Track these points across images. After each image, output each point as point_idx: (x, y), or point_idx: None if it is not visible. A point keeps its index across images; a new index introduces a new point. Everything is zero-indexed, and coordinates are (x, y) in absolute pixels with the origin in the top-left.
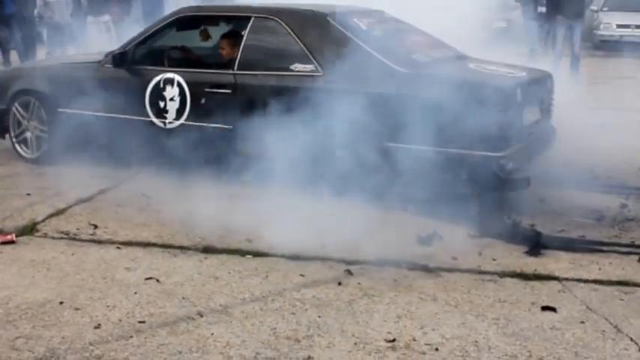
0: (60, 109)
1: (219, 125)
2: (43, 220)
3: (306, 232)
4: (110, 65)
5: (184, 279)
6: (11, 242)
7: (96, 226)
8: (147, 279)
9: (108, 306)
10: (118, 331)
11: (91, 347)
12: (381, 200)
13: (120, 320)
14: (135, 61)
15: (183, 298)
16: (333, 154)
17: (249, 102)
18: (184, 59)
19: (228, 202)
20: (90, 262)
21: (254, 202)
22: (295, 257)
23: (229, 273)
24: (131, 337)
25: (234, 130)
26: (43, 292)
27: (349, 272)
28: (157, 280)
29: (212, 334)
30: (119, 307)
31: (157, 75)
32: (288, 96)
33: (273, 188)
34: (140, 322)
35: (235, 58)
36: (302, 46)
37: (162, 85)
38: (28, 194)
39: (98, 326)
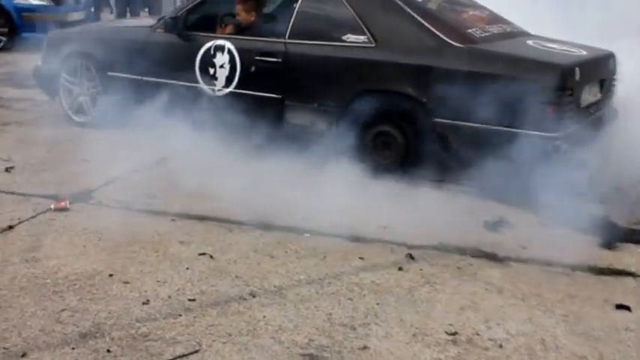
0: (110, 73)
1: (268, 94)
2: (98, 188)
3: (368, 212)
4: (162, 30)
5: (239, 256)
6: (64, 209)
7: (151, 196)
8: (200, 254)
9: (158, 281)
10: (166, 308)
11: (138, 324)
12: (441, 181)
13: (169, 297)
14: (186, 26)
15: (237, 276)
16: (384, 129)
17: (298, 72)
18: (236, 26)
19: (287, 177)
20: (143, 233)
21: (313, 178)
22: (355, 239)
23: (286, 252)
24: (180, 315)
25: (283, 100)
26: (92, 263)
27: (411, 257)
28: (211, 256)
29: (264, 316)
30: (169, 283)
31: (207, 41)
32: (338, 67)
33: (330, 164)
34: (190, 300)
35: (287, 27)
36: (355, 16)
37: (212, 51)
38: (85, 160)
39: (147, 302)
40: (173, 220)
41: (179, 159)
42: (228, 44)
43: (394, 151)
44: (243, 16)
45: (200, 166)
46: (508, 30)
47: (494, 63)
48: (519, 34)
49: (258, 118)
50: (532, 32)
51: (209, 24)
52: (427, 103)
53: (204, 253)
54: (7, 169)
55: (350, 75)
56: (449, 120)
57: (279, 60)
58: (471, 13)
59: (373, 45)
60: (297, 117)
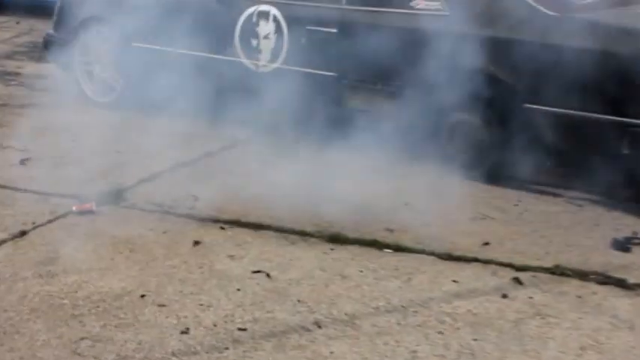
0: (135, 44)
1: (321, 71)
2: (131, 187)
3: (463, 223)
4: None
5: (302, 275)
6: (89, 212)
7: (197, 198)
8: (254, 272)
9: (201, 305)
10: (210, 339)
11: (174, 358)
12: (554, 186)
13: (214, 325)
14: None
15: (299, 301)
16: (463, 117)
17: (358, 45)
18: None
19: (357, 176)
20: (185, 244)
21: (389, 179)
22: (448, 256)
23: (361, 271)
24: (226, 348)
25: (338, 79)
26: (121, 280)
27: (518, 281)
28: (268, 275)
29: (331, 352)
30: (215, 308)
31: (249, 6)
32: (406, 40)
33: (404, 159)
34: (240, 329)
35: None
36: None
37: (255, 19)
38: (117, 152)
39: (186, 331)
40: (222, 228)
41: (227, 152)
42: (273, 10)
43: (476, 144)
44: None
45: (253, 161)
46: None
47: (597, 36)
48: (631, 0)
49: (310, 99)
50: None
51: None
52: (515, 86)
53: (259, 271)
54: (23, 162)
55: (419, 49)
56: (542, 106)
57: (335, 30)
58: None
59: (448, 13)
60: (357, 99)
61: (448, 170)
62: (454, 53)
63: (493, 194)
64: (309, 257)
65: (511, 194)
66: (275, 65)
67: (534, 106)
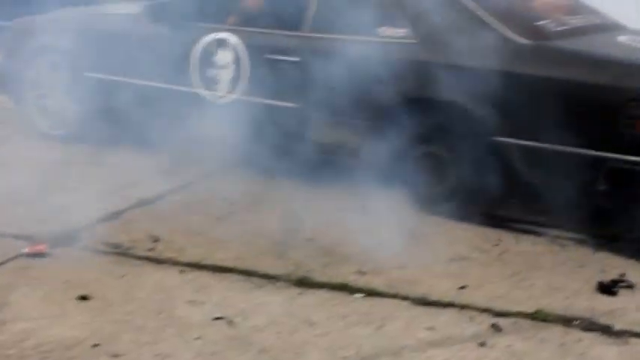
0: (87, 73)
1: (283, 103)
2: (88, 227)
3: (437, 265)
4: (149, 19)
5: (267, 322)
6: (41, 254)
7: (157, 239)
8: (216, 319)
9: (158, 355)
10: None
11: None
12: (533, 224)
13: None
14: (180, 14)
15: (263, 350)
16: (431, 150)
17: (322, 75)
18: (242, 15)
19: (333, 216)
20: (143, 288)
21: (359, 217)
22: (423, 301)
23: (330, 318)
24: None
25: (301, 110)
26: (73, 327)
27: (497, 328)
28: (230, 322)
29: None
30: (173, 357)
31: (206, 34)
32: (371, 70)
33: (373, 196)
34: None
35: (307, 16)
36: (394, 3)
37: (212, 47)
38: (72, 189)
39: None
40: (182, 271)
41: (187, 189)
42: (232, 38)
43: (446, 177)
44: (251, 0)
45: (215, 200)
46: (595, 22)
47: (570, 65)
48: (610, 27)
49: (272, 132)
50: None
51: (209, 11)
52: (484, 117)
53: (221, 317)
54: None
55: (387, 80)
56: (512, 139)
57: (298, 59)
58: (545, 0)
59: (415, 41)
60: (321, 133)
61: (423, 208)
62: (422, 83)
63: (472, 233)
64: (274, 302)
65: (491, 233)
66: (234, 96)
67: (505, 139)
